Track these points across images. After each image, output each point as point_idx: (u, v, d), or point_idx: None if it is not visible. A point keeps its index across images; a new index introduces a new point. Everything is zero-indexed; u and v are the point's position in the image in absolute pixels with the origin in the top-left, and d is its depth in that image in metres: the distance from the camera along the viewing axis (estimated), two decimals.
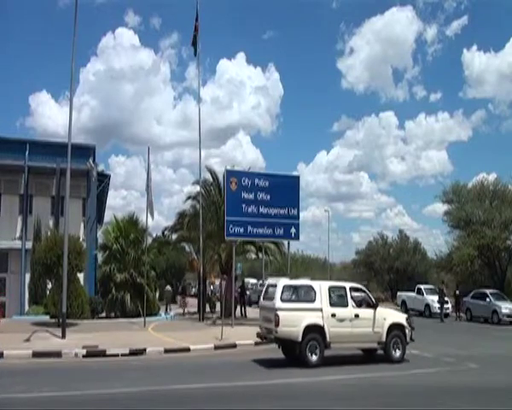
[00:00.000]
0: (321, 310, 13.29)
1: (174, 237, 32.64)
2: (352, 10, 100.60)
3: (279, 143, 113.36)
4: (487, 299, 28.59)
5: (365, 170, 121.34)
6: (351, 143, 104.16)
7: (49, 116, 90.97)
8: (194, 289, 48.29)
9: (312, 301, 13.41)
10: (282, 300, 13.27)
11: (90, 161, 27.94)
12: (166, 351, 15.32)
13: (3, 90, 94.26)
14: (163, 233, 37.13)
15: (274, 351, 14.34)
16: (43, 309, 21.96)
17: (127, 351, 14.85)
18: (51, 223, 27.37)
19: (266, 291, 14.56)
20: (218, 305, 27.73)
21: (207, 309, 27.34)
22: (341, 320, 13.40)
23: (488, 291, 29.47)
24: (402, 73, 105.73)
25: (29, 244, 26.06)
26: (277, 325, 12.99)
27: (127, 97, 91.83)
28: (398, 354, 13.97)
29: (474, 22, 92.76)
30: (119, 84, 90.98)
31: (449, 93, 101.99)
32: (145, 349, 15.13)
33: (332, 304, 13.51)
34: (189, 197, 28.02)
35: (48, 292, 23.20)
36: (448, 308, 30.36)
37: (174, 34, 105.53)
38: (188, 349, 15.71)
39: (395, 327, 14.08)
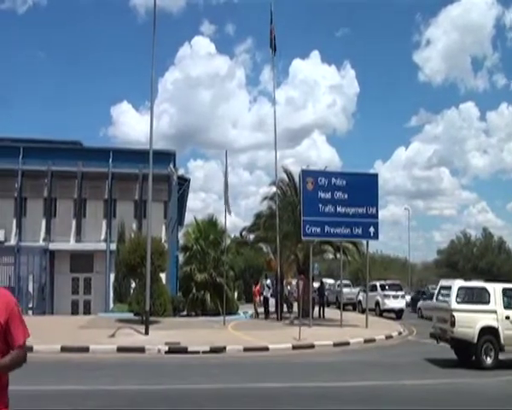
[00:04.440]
0: (495, 312, 13.12)
1: (251, 237, 32.99)
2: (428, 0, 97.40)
3: (355, 141, 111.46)
4: None
5: (446, 165, 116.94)
6: (430, 137, 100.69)
7: (130, 125, 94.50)
8: (271, 290, 48.47)
9: (486, 302, 13.31)
10: (458, 301, 13.31)
11: (171, 165, 28.86)
12: (246, 349, 15.47)
13: (87, 103, 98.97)
14: (241, 234, 37.60)
15: (349, 353, 14.17)
16: (127, 307, 22.76)
17: (208, 348, 15.14)
18: (134, 226, 28.51)
19: (439, 292, 14.71)
20: (295, 305, 27.70)
21: (285, 309, 27.40)
22: None
23: None
24: (481, 62, 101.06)
25: (113, 246, 27.21)
26: (453, 325, 13.03)
27: (204, 104, 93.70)
28: None
29: None
30: (196, 92, 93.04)
31: None
32: (225, 347, 15.37)
33: (506, 306, 13.26)
34: (265, 198, 28.20)
35: (132, 291, 24.13)
36: None
37: (248, 39, 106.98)
38: (266, 348, 15.77)
39: None
